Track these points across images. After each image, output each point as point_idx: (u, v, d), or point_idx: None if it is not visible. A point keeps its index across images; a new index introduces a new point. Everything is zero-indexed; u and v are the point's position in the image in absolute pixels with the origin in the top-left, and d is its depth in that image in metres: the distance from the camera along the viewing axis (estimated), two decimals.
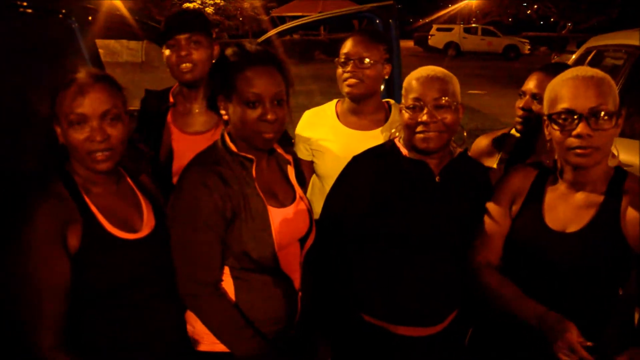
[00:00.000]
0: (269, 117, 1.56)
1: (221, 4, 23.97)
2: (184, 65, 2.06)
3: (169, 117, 2.16)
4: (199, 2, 23.20)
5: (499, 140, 2.31)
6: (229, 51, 1.62)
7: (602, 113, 1.48)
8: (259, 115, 1.57)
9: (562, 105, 1.52)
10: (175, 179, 1.99)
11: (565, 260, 1.58)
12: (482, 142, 2.38)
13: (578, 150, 1.50)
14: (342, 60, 2.17)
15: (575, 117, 1.49)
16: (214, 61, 2.10)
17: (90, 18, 2.32)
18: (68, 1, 2.21)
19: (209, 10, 23.63)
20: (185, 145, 2.10)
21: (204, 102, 1.90)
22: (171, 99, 2.18)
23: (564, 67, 2.07)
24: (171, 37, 2.05)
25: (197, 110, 2.15)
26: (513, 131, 2.24)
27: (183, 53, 2.05)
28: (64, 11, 2.17)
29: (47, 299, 1.41)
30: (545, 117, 1.59)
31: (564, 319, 1.44)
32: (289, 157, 1.80)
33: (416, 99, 1.69)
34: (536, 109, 2.02)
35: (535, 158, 1.97)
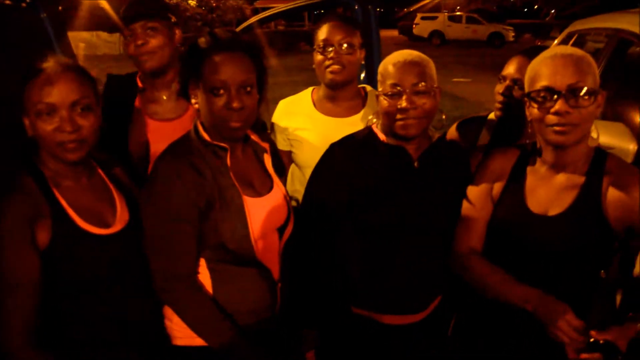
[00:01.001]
0: (234, 105, 1.52)
1: None
2: (141, 55, 1.99)
3: (138, 104, 2.09)
4: None
5: (471, 123, 2.28)
6: (201, 39, 1.59)
7: (581, 91, 1.46)
8: (224, 103, 1.53)
9: (541, 83, 1.50)
10: (150, 168, 1.95)
11: (547, 244, 1.57)
12: (453, 130, 2.34)
13: (556, 128, 1.49)
14: (322, 46, 2.13)
15: (554, 94, 1.48)
16: (178, 46, 2.06)
17: (60, 8, 2.25)
18: None
19: (192, 2, 23.41)
20: (156, 132, 2.05)
21: (172, 88, 1.85)
22: (140, 84, 2.11)
23: (544, 50, 2.04)
24: (127, 27, 1.99)
25: (164, 97, 2.09)
26: (492, 116, 2.21)
27: (139, 42, 1.98)
28: (28, 0, 2.09)
29: (15, 296, 1.37)
30: (525, 97, 1.58)
31: (560, 303, 1.45)
32: (266, 145, 1.76)
33: (394, 85, 1.66)
34: (517, 95, 1.99)
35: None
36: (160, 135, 1.99)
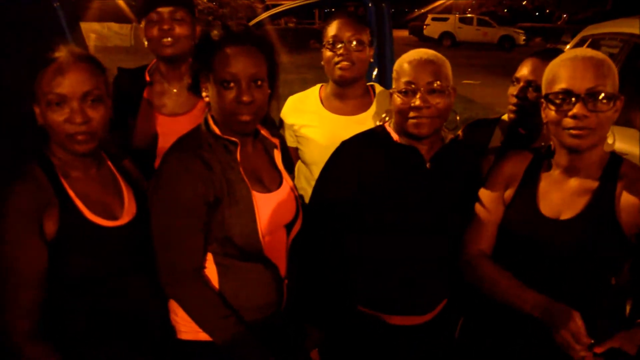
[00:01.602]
0: (244, 98, 1.50)
1: None
2: (165, 39, 1.98)
3: (145, 97, 2.06)
4: None
5: (483, 125, 2.24)
6: (213, 31, 1.57)
7: (600, 95, 1.44)
8: (234, 97, 1.51)
9: (560, 86, 1.48)
10: (157, 162, 1.93)
11: (558, 248, 1.54)
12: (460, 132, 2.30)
13: (573, 131, 1.47)
14: (331, 42, 2.12)
15: (573, 97, 1.46)
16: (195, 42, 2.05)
17: None
18: None
19: None
20: (164, 127, 2.03)
21: (183, 82, 1.83)
22: (148, 78, 2.09)
23: (559, 52, 2.02)
24: (153, 9, 1.97)
25: (175, 90, 2.07)
26: (505, 118, 2.18)
27: (165, 27, 1.96)
28: None
29: (20, 286, 1.36)
30: (542, 99, 1.55)
31: (569, 309, 1.42)
32: (276, 141, 1.75)
33: (409, 83, 1.65)
34: (531, 97, 1.96)
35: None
36: (168, 129, 1.98)
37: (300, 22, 26.99)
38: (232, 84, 1.51)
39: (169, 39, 1.98)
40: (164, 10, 1.97)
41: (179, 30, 1.98)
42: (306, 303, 1.82)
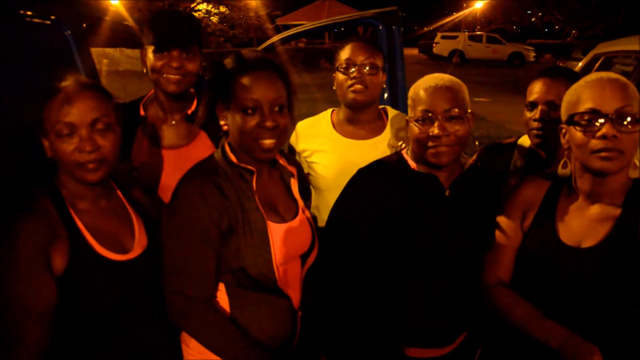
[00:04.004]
0: (267, 124, 1.48)
1: (226, 13, 24.02)
2: (173, 76, 1.88)
3: (140, 132, 1.97)
4: (204, 11, 23.26)
5: (501, 150, 2.19)
6: (227, 60, 1.56)
7: (629, 115, 1.40)
8: (257, 123, 1.49)
9: (587, 105, 1.43)
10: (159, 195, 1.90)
11: (579, 277, 1.49)
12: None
13: (603, 153, 1.41)
14: (345, 66, 2.10)
15: (601, 118, 1.41)
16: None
17: (84, 25, 2.24)
18: (58, 7, 2.12)
19: (214, 19, 23.67)
20: (166, 161, 1.95)
21: (183, 113, 1.79)
22: (142, 112, 1.98)
23: (564, 68, 1.98)
24: (165, 48, 1.85)
25: (174, 122, 1.99)
26: (522, 142, 2.13)
27: (175, 64, 1.86)
28: (53, 17, 2.08)
29: (28, 322, 1.32)
30: (562, 124, 1.51)
31: (588, 344, 1.37)
32: (293, 169, 1.72)
33: (426, 111, 1.61)
34: (555, 116, 1.86)
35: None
36: (171, 163, 1.93)
37: (311, 42, 27.22)
38: (254, 110, 1.49)
39: (178, 76, 1.89)
40: (176, 48, 1.86)
41: (189, 66, 1.89)
42: (320, 333, 1.78)
